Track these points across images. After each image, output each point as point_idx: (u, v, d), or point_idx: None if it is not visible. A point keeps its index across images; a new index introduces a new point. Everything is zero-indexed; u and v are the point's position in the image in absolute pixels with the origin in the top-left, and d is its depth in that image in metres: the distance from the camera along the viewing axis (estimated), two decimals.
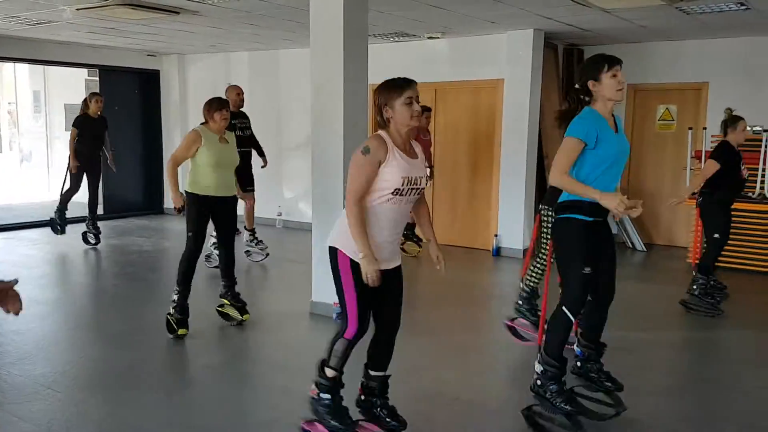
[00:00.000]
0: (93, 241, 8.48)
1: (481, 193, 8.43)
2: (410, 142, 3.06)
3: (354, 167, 2.95)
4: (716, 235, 5.64)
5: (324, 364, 3.16)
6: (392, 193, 2.93)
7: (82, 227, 8.49)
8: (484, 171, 8.39)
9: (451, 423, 3.56)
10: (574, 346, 3.62)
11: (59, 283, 7.09)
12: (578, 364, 3.58)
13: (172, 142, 11.24)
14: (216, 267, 7.23)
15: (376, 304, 3.10)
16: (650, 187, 8.77)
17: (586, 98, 3.26)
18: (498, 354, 4.82)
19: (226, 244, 5.22)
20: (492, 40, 7.95)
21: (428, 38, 8.16)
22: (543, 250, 4.70)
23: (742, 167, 5.61)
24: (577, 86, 3.31)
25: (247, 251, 7.61)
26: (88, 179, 8.29)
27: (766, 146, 7.05)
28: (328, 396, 3.15)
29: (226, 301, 5.29)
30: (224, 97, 7.25)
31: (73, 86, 12.29)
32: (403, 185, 2.93)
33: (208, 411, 3.73)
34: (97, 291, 6.74)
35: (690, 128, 7.96)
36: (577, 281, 3.26)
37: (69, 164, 8.18)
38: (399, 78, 3.01)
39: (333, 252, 3.05)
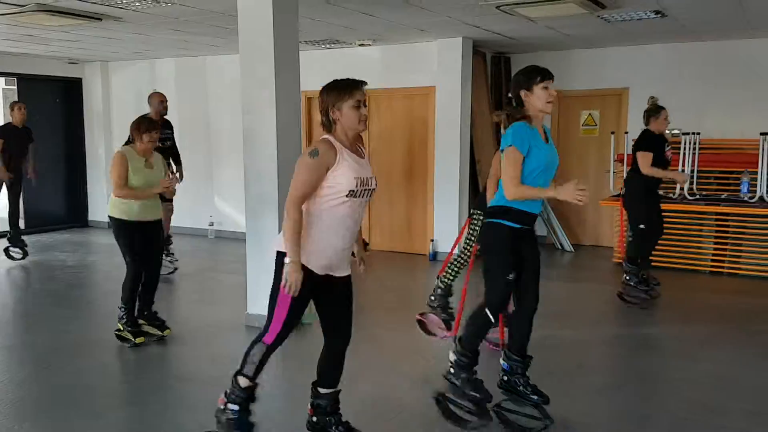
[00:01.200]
0: (19, 256, 8.09)
1: (417, 199, 8.50)
2: (357, 145, 3.02)
3: (300, 170, 2.86)
4: (641, 226, 5.88)
5: (238, 372, 3.07)
6: (346, 195, 2.88)
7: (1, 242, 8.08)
8: (419, 177, 8.46)
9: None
10: (500, 360, 3.66)
11: None
12: (505, 378, 3.59)
13: (95, 152, 10.86)
14: (170, 273, 7.06)
15: (326, 315, 3.06)
16: None
17: (517, 107, 3.34)
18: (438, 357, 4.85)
19: (150, 266, 5.05)
20: (423, 48, 8.04)
21: (359, 45, 8.17)
22: (466, 250, 4.89)
23: (667, 148, 5.91)
24: (509, 95, 3.40)
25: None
26: (8, 192, 7.91)
27: (684, 148, 7.38)
28: (235, 407, 3.06)
29: (143, 321, 5.11)
30: (148, 103, 7.09)
31: None
32: (356, 186, 2.88)
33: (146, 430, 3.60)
34: (21, 310, 6.41)
35: (612, 132, 8.25)
36: (500, 286, 3.36)
37: None
38: (347, 79, 2.93)
39: (280, 256, 2.95)
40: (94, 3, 5.74)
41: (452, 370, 3.52)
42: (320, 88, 2.97)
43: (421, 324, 5.00)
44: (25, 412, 3.85)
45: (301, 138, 5.54)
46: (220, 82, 9.64)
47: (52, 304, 6.42)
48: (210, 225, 10.00)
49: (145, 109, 10.21)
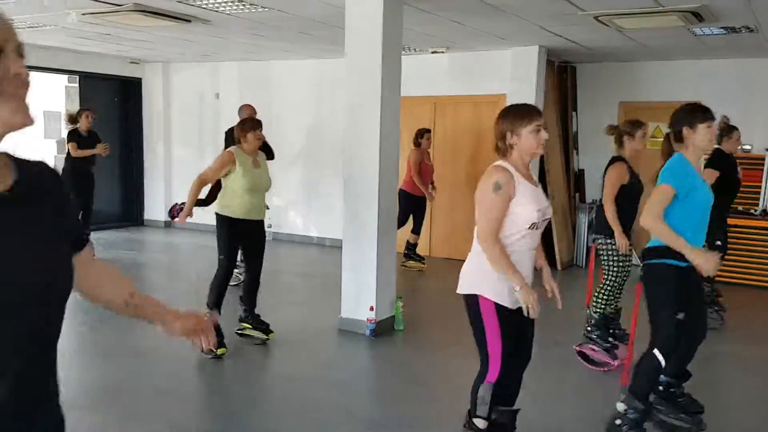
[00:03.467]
0: None
1: None
2: (529, 169, 2.99)
3: (485, 205, 2.83)
4: (718, 242, 5.84)
5: (471, 415, 3.02)
6: (528, 228, 2.84)
7: None
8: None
9: None
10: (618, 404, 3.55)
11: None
12: (660, 388, 3.58)
13: (153, 151, 10.94)
14: (235, 285, 7.09)
15: (514, 342, 3.00)
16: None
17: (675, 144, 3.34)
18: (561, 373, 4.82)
19: (253, 269, 5.08)
20: (495, 55, 8.03)
21: (432, 52, 8.18)
22: (609, 277, 4.73)
23: (738, 171, 5.86)
24: (668, 131, 3.40)
25: None
26: (82, 194, 8.03)
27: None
28: None
29: (246, 325, 5.14)
30: (238, 114, 7.15)
31: (52, 92, 11.82)
32: (537, 219, 2.85)
33: None
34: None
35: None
36: (670, 326, 3.27)
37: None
38: (527, 105, 2.95)
39: (472, 299, 2.91)
40: (190, 5, 5.79)
41: (618, 422, 3.38)
42: (499, 114, 2.97)
43: (582, 355, 4.80)
44: (138, 413, 3.87)
45: (400, 149, 5.53)
46: (284, 86, 9.67)
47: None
48: (268, 227, 10.00)
49: (207, 111, 10.40)
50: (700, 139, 3.27)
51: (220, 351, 4.75)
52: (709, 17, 5.61)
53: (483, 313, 2.88)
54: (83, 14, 6.18)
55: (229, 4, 5.71)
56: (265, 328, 5.12)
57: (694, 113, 3.30)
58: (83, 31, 7.33)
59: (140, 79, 10.81)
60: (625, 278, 4.76)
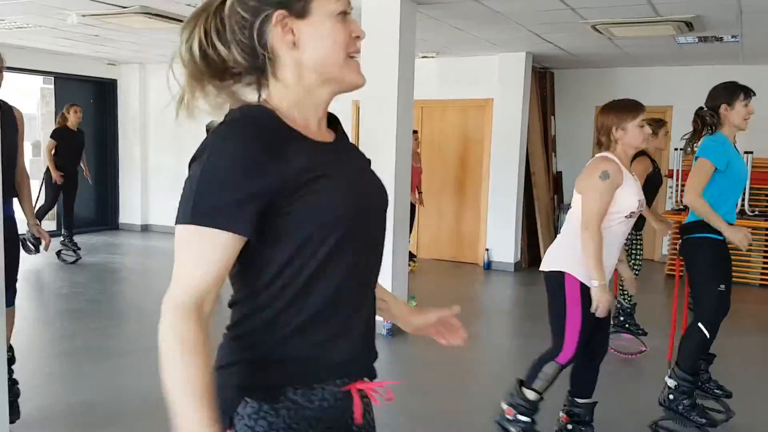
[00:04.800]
0: (71, 259, 7.97)
1: (469, 208, 8.66)
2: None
3: (592, 192, 2.90)
4: None
5: (524, 385, 3.12)
6: (627, 216, 2.95)
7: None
8: (472, 187, 8.63)
9: None
10: (666, 378, 3.67)
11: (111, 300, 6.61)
12: (670, 396, 3.61)
13: (129, 154, 10.74)
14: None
15: (591, 329, 3.06)
16: None
17: (714, 121, 3.48)
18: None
19: None
20: (483, 61, 8.23)
21: (422, 57, 8.33)
22: (635, 266, 4.93)
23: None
24: (704, 108, 3.53)
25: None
26: (64, 195, 7.82)
27: None
28: (526, 419, 3.11)
29: None
30: None
31: (27, 93, 11.50)
32: (636, 208, 2.96)
33: None
34: (134, 312, 6.34)
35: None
36: (713, 299, 3.39)
37: (44, 178, 7.67)
38: (630, 99, 3.05)
39: (559, 276, 2.98)
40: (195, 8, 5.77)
41: (671, 396, 3.49)
42: (602, 109, 3.08)
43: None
44: None
45: (410, 149, 5.63)
46: None
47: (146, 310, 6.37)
48: None
49: (183, 112, 10.24)
50: (737, 116, 3.42)
51: None
52: (700, 27, 5.93)
53: (567, 292, 2.95)
54: (83, 15, 6.08)
55: None
56: None
57: (733, 90, 3.45)
58: (71, 32, 7.19)
59: (116, 80, 10.61)
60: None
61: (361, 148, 4.60)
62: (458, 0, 5.17)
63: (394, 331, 5.34)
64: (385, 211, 1.34)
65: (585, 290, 2.95)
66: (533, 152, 8.59)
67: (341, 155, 1.28)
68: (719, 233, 3.41)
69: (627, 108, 2.99)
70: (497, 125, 8.23)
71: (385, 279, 5.34)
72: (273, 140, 1.14)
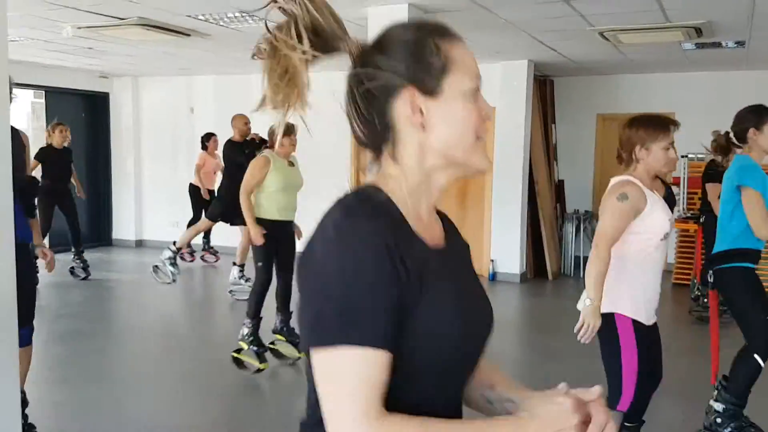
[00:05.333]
0: (82, 275, 7.84)
1: (472, 219, 8.52)
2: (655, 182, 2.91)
3: (610, 214, 2.73)
4: None
5: None
6: (662, 238, 2.78)
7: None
8: (475, 197, 8.50)
9: None
10: (711, 401, 3.58)
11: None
12: (718, 420, 3.52)
13: (122, 168, 10.54)
14: (244, 300, 6.91)
15: (649, 362, 2.86)
16: None
17: (739, 144, 3.38)
18: None
19: (286, 272, 4.95)
20: (485, 69, 7.98)
21: None
22: None
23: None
24: (731, 132, 3.42)
25: (231, 291, 7.14)
26: (64, 213, 7.69)
27: None
28: None
29: (280, 337, 5.01)
30: (231, 126, 7.03)
31: (16, 108, 11.25)
32: (669, 228, 2.80)
33: None
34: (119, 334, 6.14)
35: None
36: (762, 328, 3.29)
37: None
38: (660, 117, 2.84)
39: (608, 318, 2.77)
40: (197, 19, 5.63)
41: (719, 420, 3.40)
42: (629, 122, 2.85)
43: None
44: None
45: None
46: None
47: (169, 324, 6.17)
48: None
49: (180, 126, 10.09)
50: (766, 140, 3.30)
51: (263, 366, 4.70)
52: (709, 33, 5.86)
53: (620, 333, 2.77)
54: (79, 28, 5.92)
55: (239, 19, 5.58)
56: (297, 343, 4.99)
57: (762, 114, 3.33)
58: (65, 45, 7.02)
59: (108, 93, 10.42)
60: None
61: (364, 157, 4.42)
62: (468, 8, 5.06)
63: None
64: (488, 337, 1.17)
65: (637, 325, 2.77)
66: (536, 161, 8.48)
67: (453, 264, 1.13)
68: (754, 262, 3.33)
69: (655, 127, 2.75)
70: (500, 134, 8.12)
71: None
72: (403, 240, 1.00)
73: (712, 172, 5.95)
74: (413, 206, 1.07)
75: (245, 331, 4.80)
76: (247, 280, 7.17)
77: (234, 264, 7.25)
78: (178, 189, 9.73)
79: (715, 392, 3.48)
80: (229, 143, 7.09)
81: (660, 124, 2.77)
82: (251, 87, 9.58)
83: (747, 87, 8.14)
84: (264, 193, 4.78)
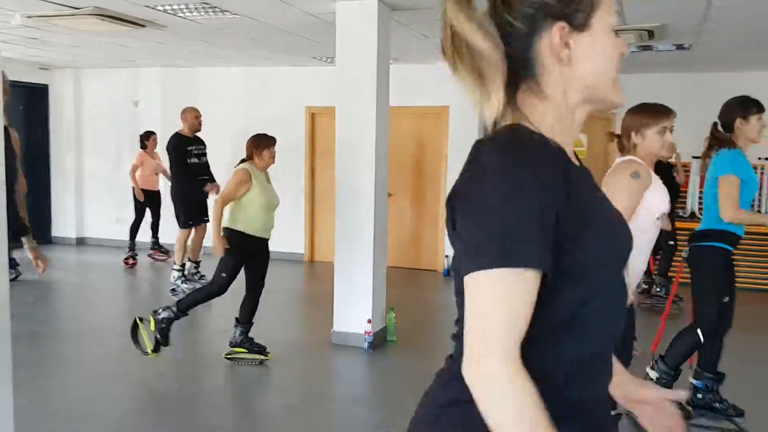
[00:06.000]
0: (11, 276, 7.38)
1: (428, 215, 8.62)
2: None
3: (623, 194, 2.76)
4: (671, 242, 6.44)
5: None
6: (657, 218, 2.87)
7: None
8: (430, 193, 8.60)
9: None
10: (691, 378, 3.80)
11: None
12: (699, 395, 3.75)
13: (62, 163, 10.12)
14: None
15: None
16: None
17: (725, 134, 3.53)
18: None
19: (257, 288, 4.90)
20: (439, 69, 8.20)
21: None
22: None
23: (675, 174, 6.44)
24: (718, 123, 3.57)
25: (173, 289, 6.91)
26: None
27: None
28: None
29: (240, 350, 4.89)
30: (181, 119, 6.83)
31: None
32: (666, 209, 2.90)
33: None
34: (90, 333, 5.88)
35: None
36: (714, 307, 3.48)
37: None
38: (657, 104, 2.93)
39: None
40: (155, 10, 5.48)
41: (699, 396, 3.64)
42: (627, 111, 2.97)
43: None
44: None
45: (388, 157, 5.53)
46: (213, 95, 9.30)
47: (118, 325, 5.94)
48: None
49: (124, 119, 9.76)
50: (752, 129, 3.47)
51: (152, 354, 4.64)
52: (660, 36, 6.11)
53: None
54: (29, 17, 5.65)
55: (199, 10, 5.46)
56: (261, 350, 4.93)
57: (747, 105, 3.50)
58: (8, 34, 6.69)
59: (47, 85, 9.98)
60: None
61: (337, 158, 4.51)
62: (436, 5, 5.10)
63: (376, 344, 5.20)
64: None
65: None
66: None
67: (597, 192, 1.16)
68: (729, 244, 3.48)
69: (648, 113, 2.90)
70: (454, 133, 8.24)
71: (365, 291, 5.21)
72: (564, 168, 1.02)
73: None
74: (561, 141, 1.08)
75: (163, 314, 4.61)
76: (201, 277, 7.02)
77: (189, 260, 7.08)
78: (121, 185, 9.44)
79: (652, 362, 3.73)
80: (177, 137, 6.83)
81: (653, 111, 2.91)
82: (199, 80, 9.41)
83: (684, 89, 8.47)
84: (248, 209, 4.66)
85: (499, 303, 0.95)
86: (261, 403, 4.35)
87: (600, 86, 1.09)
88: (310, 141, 9.01)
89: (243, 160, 4.78)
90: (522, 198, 0.95)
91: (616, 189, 2.80)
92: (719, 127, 3.61)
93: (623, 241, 1.12)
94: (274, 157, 4.74)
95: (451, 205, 1.04)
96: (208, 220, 6.95)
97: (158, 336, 4.61)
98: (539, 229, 0.96)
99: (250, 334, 4.92)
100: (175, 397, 4.29)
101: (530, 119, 1.08)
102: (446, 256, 8.36)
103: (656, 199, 2.85)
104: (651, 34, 5.99)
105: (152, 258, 8.76)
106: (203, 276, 7.03)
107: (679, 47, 6.71)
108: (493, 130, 1.07)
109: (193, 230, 7.06)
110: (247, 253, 4.69)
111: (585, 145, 9.48)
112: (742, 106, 3.54)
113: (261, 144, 4.69)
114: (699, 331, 3.52)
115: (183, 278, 6.84)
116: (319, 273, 8.59)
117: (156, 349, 4.62)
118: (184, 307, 4.68)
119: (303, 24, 5.87)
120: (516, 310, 0.95)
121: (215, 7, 5.34)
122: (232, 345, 4.90)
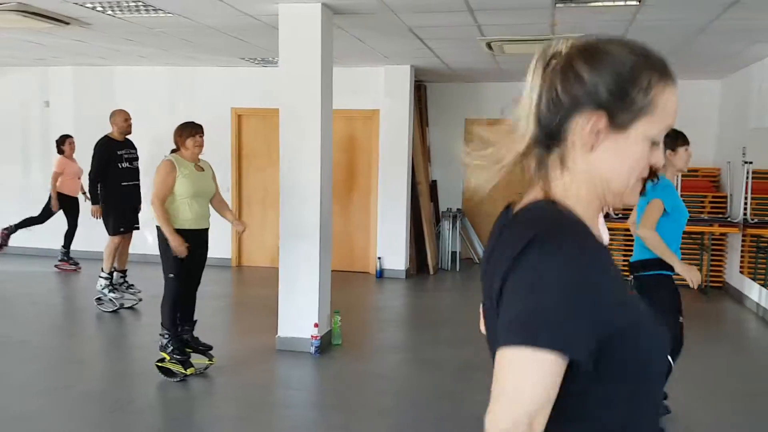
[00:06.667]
0: None
1: (359, 218, 8.66)
2: None
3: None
4: None
5: None
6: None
7: None
8: (361, 196, 8.64)
9: None
10: None
11: None
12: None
13: None
14: (113, 311, 6.48)
15: None
16: (486, 208, 9.85)
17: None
18: None
19: (195, 283, 4.78)
20: (369, 72, 8.29)
21: None
22: None
23: None
24: None
25: (98, 298, 6.59)
26: None
27: None
28: None
29: (187, 349, 4.79)
30: (110, 122, 6.55)
31: None
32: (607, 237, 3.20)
33: None
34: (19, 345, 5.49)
35: None
36: (676, 329, 3.66)
37: None
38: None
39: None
40: (83, 7, 5.23)
41: None
42: None
43: None
44: None
45: (331, 157, 5.53)
46: (131, 94, 8.93)
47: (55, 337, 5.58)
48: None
49: (33, 120, 9.21)
50: (680, 160, 3.75)
51: (190, 371, 4.58)
52: None
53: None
54: None
55: (131, 9, 5.27)
56: (207, 351, 4.82)
57: (676, 138, 3.75)
58: None
59: None
60: None
61: (282, 160, 4.54)
62: (378, 11, 5.17)
63: (322, 348, 5.20)
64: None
65: None
66: (417, 162, 8.81)
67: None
68: (671, 270, 3.68)
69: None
70: (384, 136, 8.34)
71: (311, 294, 5.20)
72: (608, 259, 1.05)
73: None
74: (583, 213, 1.09)
75: (163, 342, 4.61)
76: (129, 286, 6.75)
77: (116, 269, 6.77)
78: (31, 191, 8.93)
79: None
80: (107, 141, 6.50)
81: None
82: (115, 79, 9.03)
83: None
84: (174, 202, 4.53)
85: (526, 380, 0.97)
86: (212, 414, 4.24)
87: (615, 185, 1.09)
88: (237, 143, 8.86)
89: (172, 151, 4.67)
90: (582, 287, 0.98)
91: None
92: None
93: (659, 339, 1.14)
94: (200, 146, 4.62)
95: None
96: (138, 228, 6.70)
97: (179, 357, 4.56)
98: (585, 318, 0.98)
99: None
100: (121, 412, 4.11)
101: (555, 193, 1.11)
102: (378, 258, 8.44)
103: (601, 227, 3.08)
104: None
105: (59, 269, 8.29)
106: (131, 285, 6.76)
107: None
108: (533, 208, 1.10)
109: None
110: (185, 247, 4.54)
111: None
112: (672, 139, 3.73)
113: (184, 133, 4.57)
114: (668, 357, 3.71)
115: (110, 287, 6.55)
116: (249, 278, 8.45)
117: (187, 366, 4.57)
118: (168, 324, 4.61)
119: (239, 25, 5.78)
120: (540, 389, 0.97)
121: (151, 6, 5.17)
122: (161, 348, 4.77)
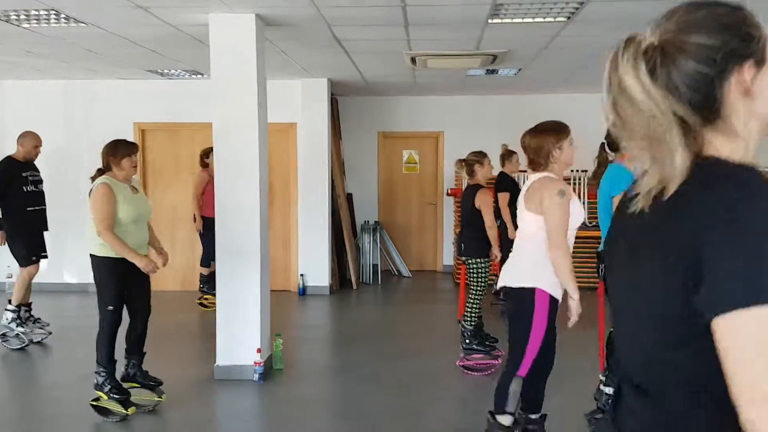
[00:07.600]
0: None
1: (280, 234, 8.39)
2: None
3: (557, 212, 3.02)
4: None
5: (498, 412, 3.13)
6: (577, 226, 3.13)
7: None
8: (280, 212, 8.40)
9: None
10: (602, 386, 3.91)
11: None
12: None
13: None
14: (20, 348, 5.91)
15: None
16: (401, 220, 9.90)
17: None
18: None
19: (143, 313, 4.45)
20: (286, 86, 8.08)
21: None
22: (473, 291, 5.29)
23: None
24: (605, 142, 3.84)
25: (3, 334, 5.99)
26: None
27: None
28: None
29: (134, 385, 4.44)
30: (18, 143, 6.02)
31: None
32: (581, 220, 3.15)
33: None
34: None
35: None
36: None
37: None
38: (557, 121, 3.22)
39: (530, 292, 3.10)
40: None
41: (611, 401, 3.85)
42: (528, 132, 3.22)
43: (466, 367, 5.17)
44: None
45: (268, 173, 5.31)
46: (21, 109, 8.23)
47: None
48: (8, 277, 8.35)
49: None
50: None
51: (131, 410, 4.24)
52: (503, 61, 6.62)
53: (537, 305, 3.11)
54: None
55: (42, 17, 4.84)
56: (156, 386, 4.48)
57: (561, 131, 3.63)
58: None
59: None
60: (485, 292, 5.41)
61: (216, 173, 4.34)
62: (313, 23, 5.05)
63: (265, 375, 4.96)
64: None
65: (554, 302, 3.17)
66: (334, 175, 8.70)
67: None
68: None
69: (561, 129, 3.21)
70: (302, 149, 8.18)
71: (253, 318, 4.97)
72: None
73: (503, 182, 6.69)
74: None
75: (99, 380, 4.22)
76: (36, 321, 6.16)
77: (22, 305, 6.14)
78: None
79: (604, 378, 3.88)
80: (10, 161, 5.96)
81: (561, 126, 3.23)
82: (2, 93, 8.27)
83: (516, 108, 9.19)
84: (113, 228, 4.16)
85: None
86: None
87: None
88: (141, 160, 8.34)
89: (100, 171, 4.29)
90: None
91: (550, 209, 3.08)
92: (606, 147, 3.93)
93: None
94: (136, 166, 4.31)
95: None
96: (46, 256, 6.17)
97: (116, 396, 4.21)
98: None
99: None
100: None
101: (718, 155, 1.12)
102: (301, 275, 8.23)
103: (576, 210, 3.15)
104: (494, 58, 6.48)
105: None
106: (38, 319, 6.18)
107: (519, 71, 7.31)
108: (723, 167, 1.09)
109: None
110: (124, 277, 4.21)
111: (418, 161, 9.95)
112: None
113: (119, 152, 4.22)
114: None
115: (18, 321, 5.95)
116: (164, 303, 7.95)
117: (127, 405, 4.22)
118: (104, 361, 4.23)
119: (157, 36, 5.46)
120: None
121: (72, 17, 4.79)
122: (124, 380, 4.40)
